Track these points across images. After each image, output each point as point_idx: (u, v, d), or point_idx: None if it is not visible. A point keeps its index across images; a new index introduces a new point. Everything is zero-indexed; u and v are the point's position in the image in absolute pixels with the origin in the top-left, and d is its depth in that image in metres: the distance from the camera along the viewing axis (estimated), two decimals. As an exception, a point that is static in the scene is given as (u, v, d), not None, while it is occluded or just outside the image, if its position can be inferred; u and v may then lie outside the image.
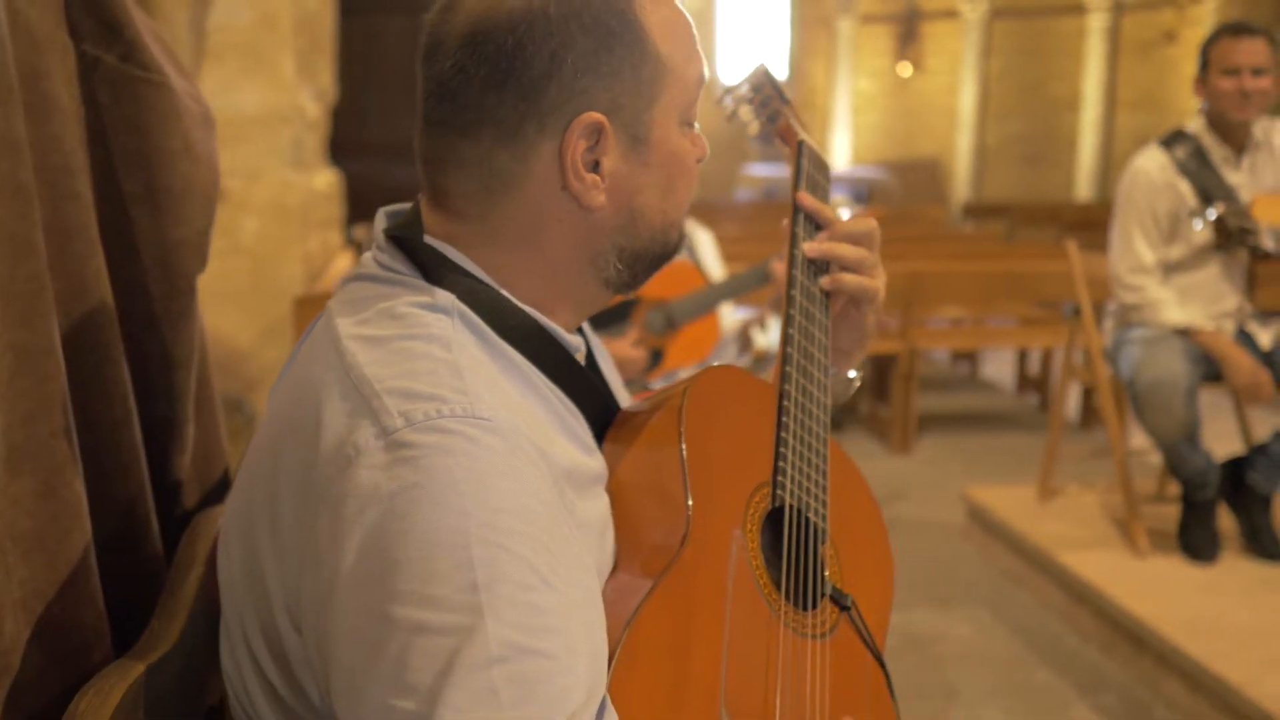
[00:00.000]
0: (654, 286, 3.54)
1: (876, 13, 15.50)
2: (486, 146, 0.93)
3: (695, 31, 1.00)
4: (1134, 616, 3.10)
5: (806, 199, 1.23)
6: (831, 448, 1.17)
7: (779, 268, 2.86)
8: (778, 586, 1.02)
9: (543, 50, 0.90)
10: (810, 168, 1.29)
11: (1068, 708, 3.01)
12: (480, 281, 0.96)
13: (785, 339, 1.15)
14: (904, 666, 3.25)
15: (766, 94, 1.40)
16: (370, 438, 0.81)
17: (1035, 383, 6.61)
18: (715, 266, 3.42)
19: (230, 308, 4.15)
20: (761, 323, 3.17)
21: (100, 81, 1.13)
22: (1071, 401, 6.01)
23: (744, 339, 3.24)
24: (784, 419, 1.10)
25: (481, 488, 0.79)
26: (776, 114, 1.38)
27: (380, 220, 1.01)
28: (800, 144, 1.31)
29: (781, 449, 1.08)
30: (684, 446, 0.99)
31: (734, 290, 3.15)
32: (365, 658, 0.77)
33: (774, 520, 1.06)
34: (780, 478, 1.06)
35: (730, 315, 3.32)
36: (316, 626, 0.82)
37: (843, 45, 15.42)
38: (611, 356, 3.04)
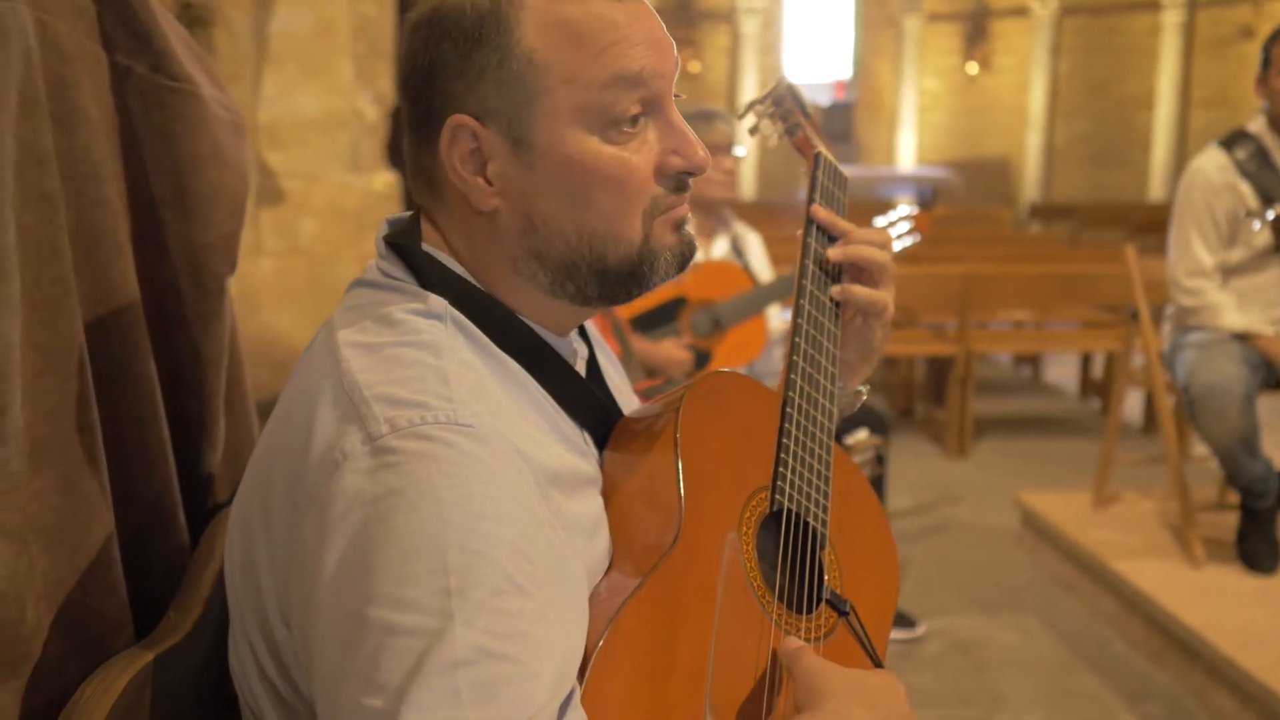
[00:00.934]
0: (701, 288, 3.55)
1: (943, 11, 15.33)
2: (412, 149, 0.99)
3: (629, 25, 0.93)
4: (1185, 625, 3.05)
5: (820, 211, 1.24)
6: (838, 456, 1.18)
7: None
8: (772, 589, 1.03)
9: (424, 58, 0.95)
10: (826, 180, 1.30)
11: (1113, 716, 2.97)
12: (473, 287, 0.98)
13: (792, 347, 1.17)
14: (949, 672, 3.23)
15: (787, 107, 1.42)
16: (357, 443, 0.84)
17: (1098, 387, 6.51)
18: (764, 268, 3.42)
19: (288, 307, 4.24)
20: None
21: (132, 91, 1.18)
22: (1135, 406, 5.91)
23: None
24: (786, 425, 1.11)
25: (460, 494, 0.81)
26: (796, 127, 1.40)
27: (383, 227, 1.04)
28: (816, 156, 1.33)
29: (782, 454, 1.09)
30: (679, 449, 1.00)
31: (782, 292, 3.15)
32: (340, 656, 0.79)
33: (775, 524, 1.07)
34: (780, 482, 1.07)
35: (779, 317, 3.32)
36: (301, 625, 0.85)
37: (909, 44, 15.27)
38: (657, 358, 3.06)
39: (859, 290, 1.20)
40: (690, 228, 1.02)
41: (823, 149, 1.34)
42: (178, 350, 1.26)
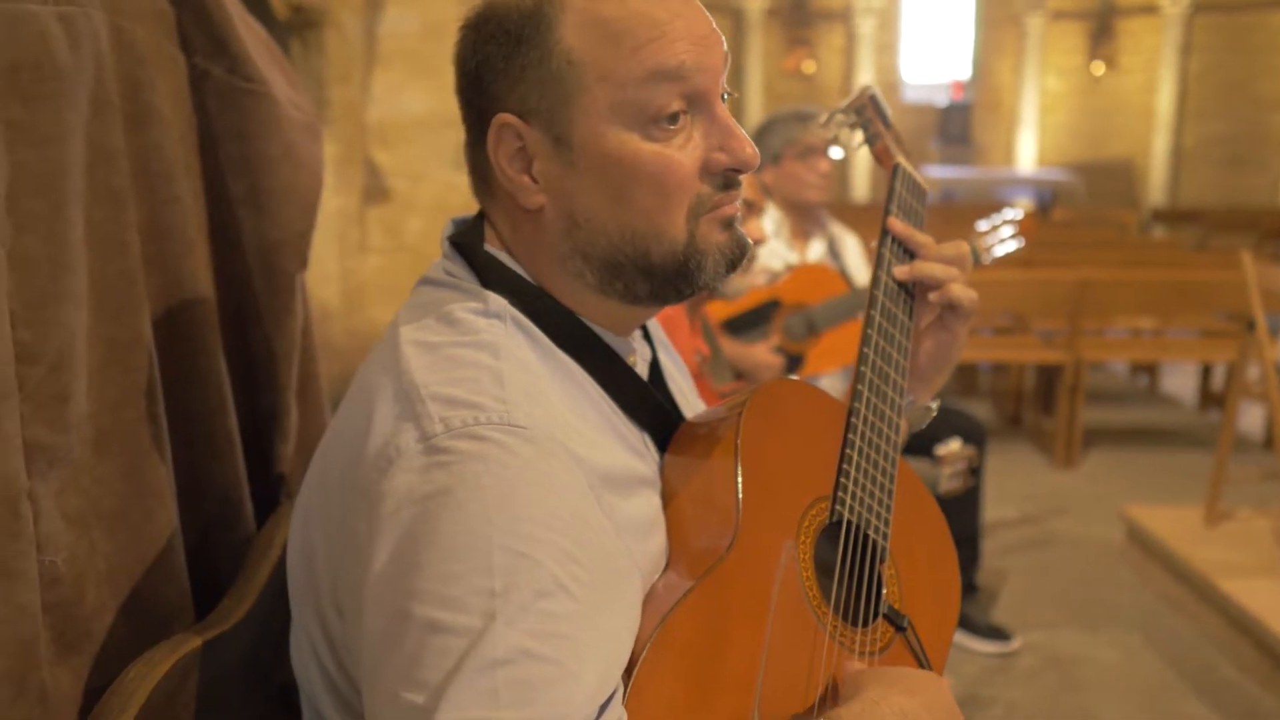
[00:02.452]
0: (796, 291, 3.53)
1: (1068, 9, 14.93)
2: (469, 153, 1.01)
3: (670, 21, 0.93)
4: (1297, 651, 2.92)
5: (897, 224, 1.23)
6: (903, 470, 1.16)
7: None
8: (828, 600, 1.01)
9: (470, 60, 0.97)
10: (904, 191, 1.28)
11: (1217, 742, 2.86)
12: (533, 287, 0.99)
13: (860, 357, 1.15)
14: (1044, 688, 3.14)
15: (868, 116, 1.40)
16: (411, 441, 0.85)
17: (1219, 399, 6.26)
18: (860, 271, 3.38)
19: (393, 303, 4.32)
20: None
21: (209, 92, 1.21)
22: (1257, 420, 5.67)
23: None
24: (850, 435, 1.09)
25: (508, 495, 0.82)
26: (876, 136, 1.39)
27: (448, 227, 1.06)
28: (896, 167, 1.31)
29: (845, 465, 1.07)
30: (739, 454, 0.99)
31: None
32: (384, 651, 0.81)
33: (835, 535, 1.05)
34: (841, 493, 1.05)
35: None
36: (352, 617, 0.87)
37: (1031, 43, 14.91)
38: (747, 362, 3.04)
39: (954, 287, 1.18)
40: (740, 225, 1.01)
41: (902, 160, 1.33)
42: (250, 344, 1.29)
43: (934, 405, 1.25)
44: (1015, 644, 3.35)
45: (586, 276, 0.98)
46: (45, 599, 0.91)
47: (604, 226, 0.95)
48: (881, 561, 1.07)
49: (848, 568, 1.04)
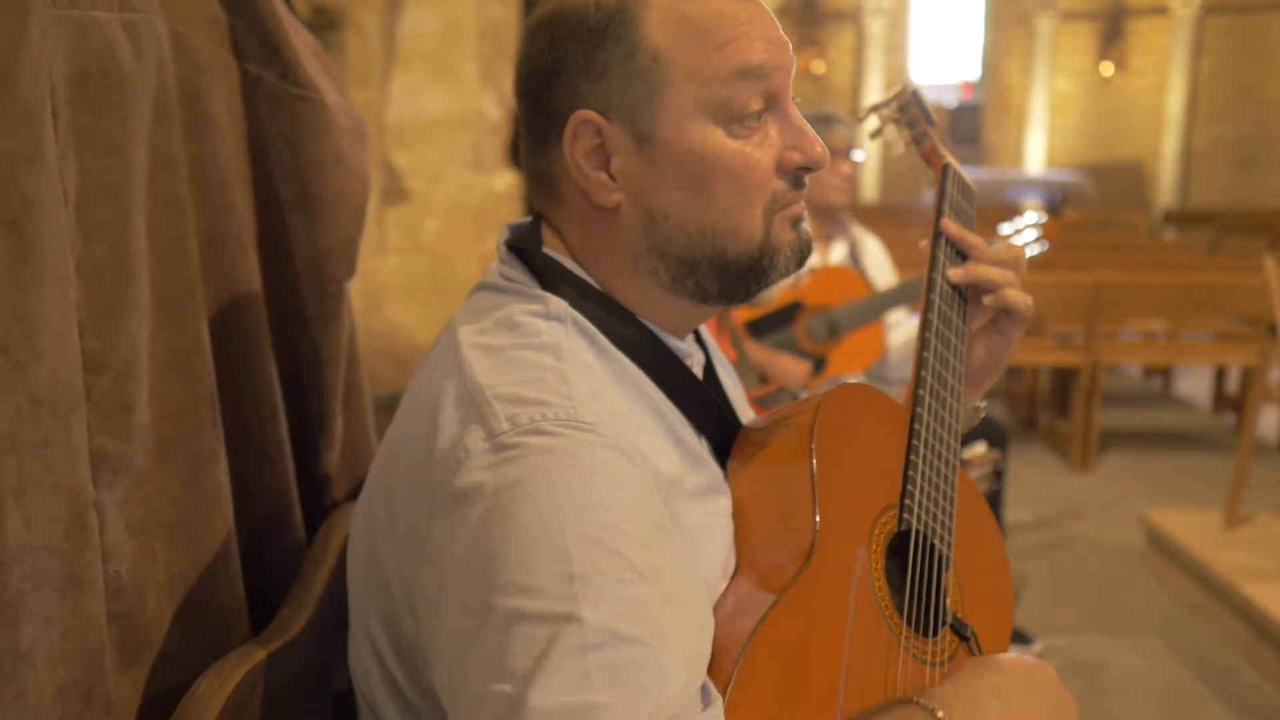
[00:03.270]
0: (818, 293, 3.52)
1: (1078, 10, 14.91)
2: (534, 156, 1.00)
3: (748, 21, 0.95)
4: (1321, 657, 2.91)
5: (951, 226, 1.22)
6: (960, 476, 1.15)
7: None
8: (899, 610, 1.01)
9: (546, 58, 0.96)
10: (955, 192, 1.27)
11: (1241, 749, 2.86)
12: (593, 288, 0.99)
13: (920, 362, 1.14)
14: (1066, 693, 3.13)
15: (913, 114, 1.38)
16: (479, 440, 0.85)
17: (1233, 402, 6.25)
18: (882, 274, 3.37)
19: (411, 304, 4.33)
20: None
21: (260, 98, 1.21)
22: (1273, 423, 5.66)
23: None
24: (914, 442, 1.08)
25: (579, 485, 0.82)
26: (923, 135, 1.37)
27: (504, 232, 1.06)
28: (945, 167, 1.30)
29: (910, 472, 1.06)
30: (815, 463, 0.99)
31: (899, 299, 3.09)
32: (468, 647, 0.81)
33: (898, 544, 1.05)
34: (908, 501, 1.05)
35: (907, 322, 3.26)
36: (428, 619, 0.87)
37: (1041, 44, 14.89)
38: (774, 367, 3.04)
39: (1010, 292, 1.18)
40: (807, 225, 1.02)
41: (950, 159, 1.31)
42: (298, 351, 1.29)
43: (983, 406, 1.25)
44: (1036, 648, 3.34)
45: (660, 274, 0.98)
46: (110, 609, 0.91)
47: (683, 223, 0.96)
48: (946, 570, 1.06)
49: (916, 577, 1.04)
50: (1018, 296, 1.18)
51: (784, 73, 0.97)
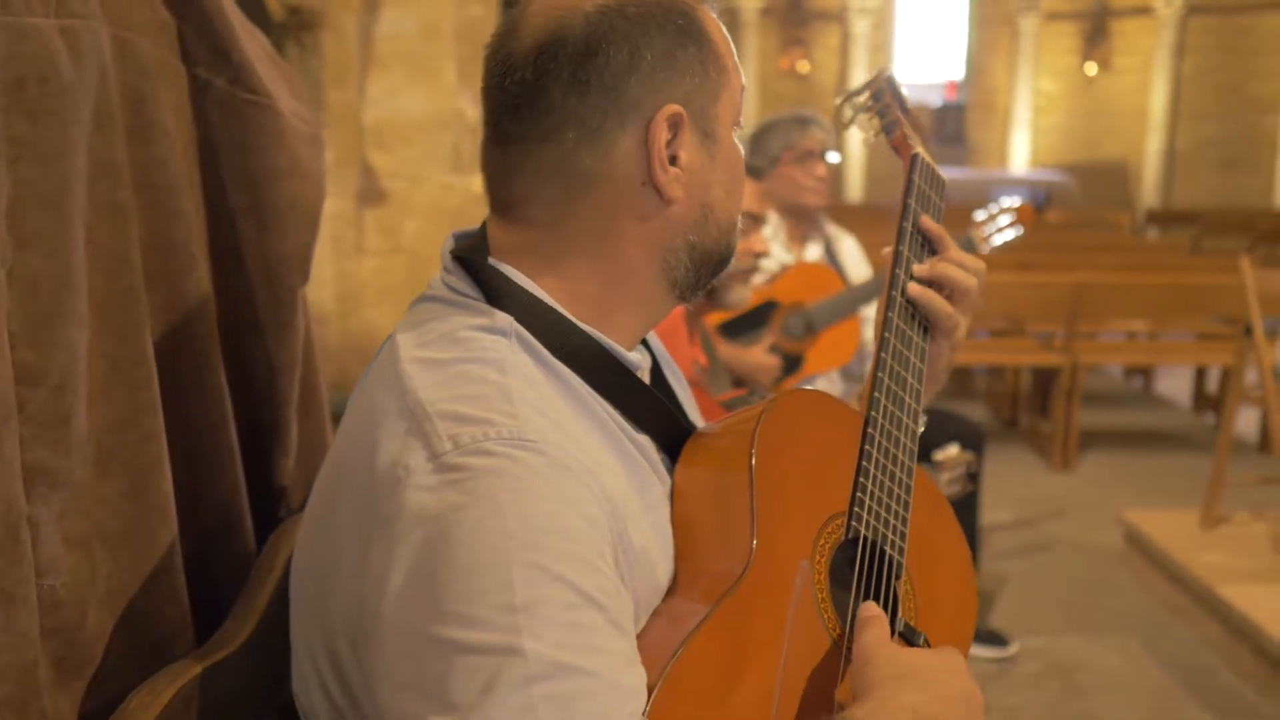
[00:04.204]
0: (793, 290, 3.52)
1: (1062, 10, 14.95)
2: (569, 148, 0.95)
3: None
4: (1296, 657, 2.92)
5: (928, 221, 1.20)
6: (922, 481, 1.14)
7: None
8: (843, 619, 1.00)
9: (622, 48, 0.94)
10: (922, 183, 1.24)
11: (1217, 750, 2.86)
12: (540, 303, 0.97)
13: (878, 363, 1.12)
14: (1044, 694, 3.14)
15: (885, 102, 1.35)
16: (421, 459, 0.84)
17: (1214, 402, 6.27)
18: (859, 271, 3.37)
19: (389, 305, 4.31)
20: None
21: (211, 104, 1.20)
22: (1252, 423, 5.68)
23: None
24: (867, 448, 1.07)
25: (524, 509, 0.81)
26: (894, 124, 1.33)
27: (449, 242, 1.04)
28: (914, 158, 1.26)
29: (861, 479, 1.05)
30: (753, 472, 0.97)
31: (874, 292, 3.09)
32: (409, 676, 0.80)
33: (851, 551, 1.04)
34: (857, 509, 1.03)
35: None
36: (366, 643, 0.85)
37: (1025, 43, 14.92)
38: (744, 364, 3.03)
39: (935, 298, 1.17)
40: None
41: (921, 149, 1.27)
42: (251, 358, 1.28)
43: (923, 419, 1.23)
44: (1012, 649, 3.34)
45: (678, 270, 1.01)
46: (46, 624, 0.90)
47: (720, 218, 1.02)
48: (898, 578, 1.05)
49: (864, 585, 1.03)
50: (941, 307, 1.16)
51: None
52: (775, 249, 3.22)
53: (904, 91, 1.36)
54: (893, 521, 1.06)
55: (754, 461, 0.98)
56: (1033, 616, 3.64)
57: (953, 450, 2.60)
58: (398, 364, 0.92)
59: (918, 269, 1.18)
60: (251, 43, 1.29)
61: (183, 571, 1.07)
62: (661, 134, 0.95)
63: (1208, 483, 3.88)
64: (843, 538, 1.02)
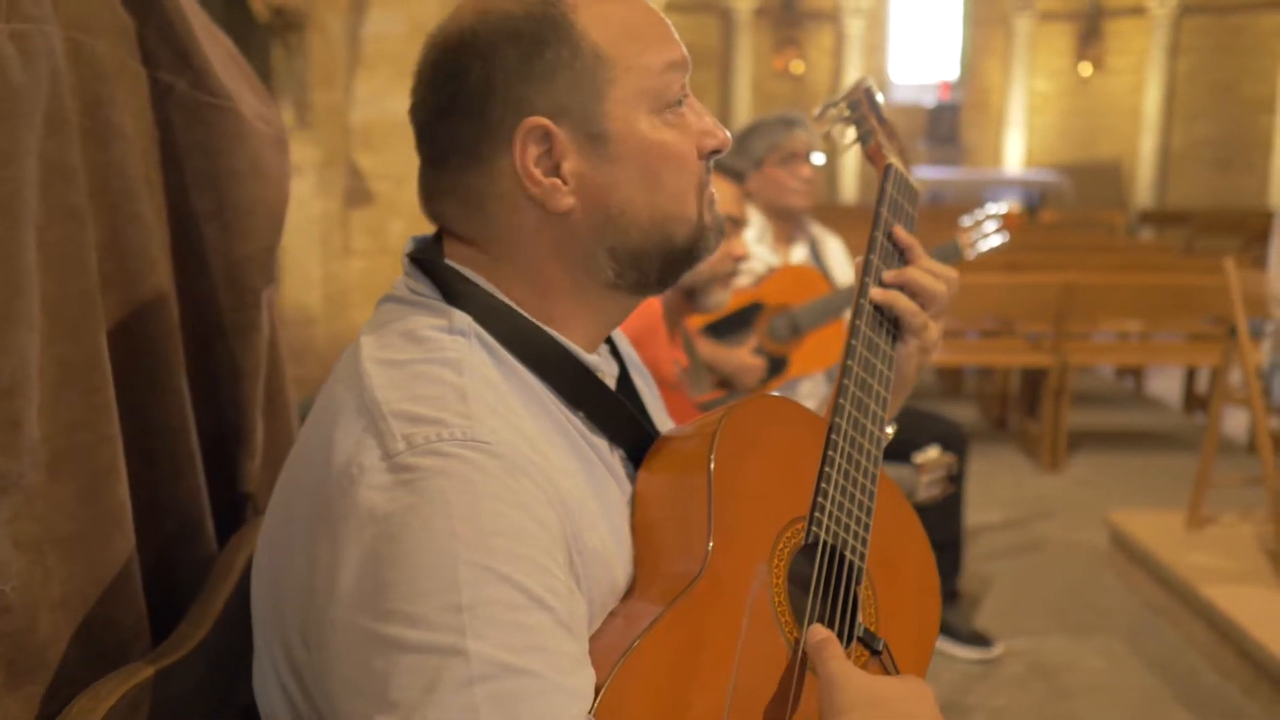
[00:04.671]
0: (778, 293, 3.52)
1: (1056, 10, 14.95)
2: (456, 172, 0.97)
3: (660, 21, 1.00)
4: (1278, 658, 2.92)
5: (900, 231, 1.20)
6: (888, 488, 1.14)
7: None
8: (801, 623, 1.00)
9: (476, 69, 0.94)
10: (895, 193, 1.25)
11: (1199, 751, 2.86)
12: (500, 302, 0.98)
13: (844, 370, 1.12)
14: (1029, 696, 3.14)
15: (862, 112, 1.35)
16: (375, 459, 0.84)
17: (1204, 402, 6.27)
18: (845, 273, 3.37)
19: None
20: None
21: (173, 106, 1.20)
22: (1241, 424, 5.68)
23: None
24: (830, 453, 1.07)
25: (474, 510, 0.81)
26: (869, 134, 1.34)
27: (409, 244, 1.04)
28: (888, 168, 1.27)
29: (823, 484, 1.05)
30: (712, 475, 0.97)
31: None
32: (353, 674, 0.80)
33: (812, 557, 1.04)
34: (818, 514, 1.03)
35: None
36: (317, 642, 0.86)
37: (1019, 44, 14.92)
38: (728, 365, 3.03)
39: (903, 299, 1.16)
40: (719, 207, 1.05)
41: (894, 159, 1.28)
42: (215, 361, 1.27)
43: (891, 429, 1.23)
44: (997, 650, 3.34)
45: (605, 272, 0.99)
46: (-5, 628, 0.89)
47: (637, 216, 0.97)
48: (858, 583, 1.05)
49: (822, 590, 1.03)
50: (906, 305, 1.16)
51: (690, 66, 1.02)
52: (761, 251, 3.22)
53: (881, 101, 1.37)
54: (854, 527, 1.06)
55: (713, 465, 0.98)
56: (1018, 617, 3.64)
57: (933, 453, 2.60)
58: (359, 364, 0.93)
59: (887, 276, 1.18)
60: (214, 45, 1.29)
61: (139, 576, 1.06)
62: (527, 150, 0.94)
63: (1194, 483, 3.88)
64: (802, 542, 1.02)
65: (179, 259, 1.22)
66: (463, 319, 0.95)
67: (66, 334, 0.99)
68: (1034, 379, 5.61)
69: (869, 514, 1.07)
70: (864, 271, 1.18)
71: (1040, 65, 15.09)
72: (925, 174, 13.19)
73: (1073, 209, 12.92)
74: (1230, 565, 3.54)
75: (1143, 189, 14.65)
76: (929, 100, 14.98)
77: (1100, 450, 5.66)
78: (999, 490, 4.95)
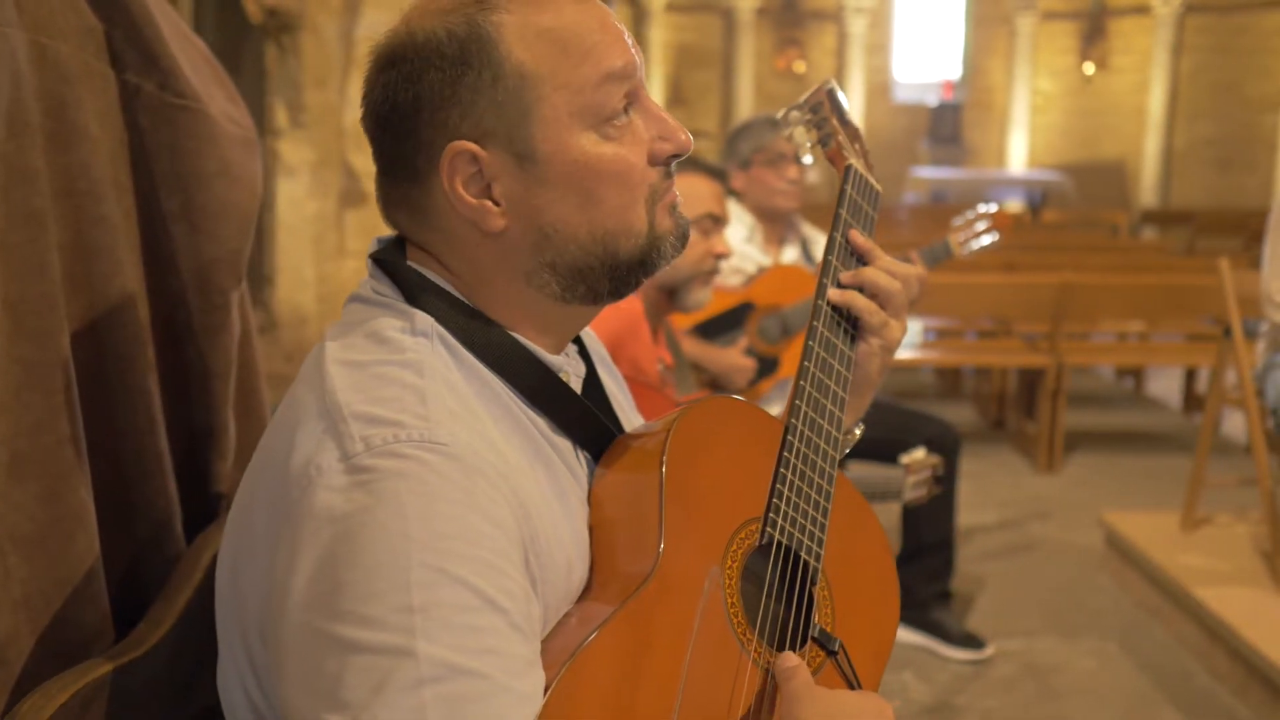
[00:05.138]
0: (769, 293, 3.53)
1: (1059, 9, 14.92)
2: (400, 186, 0.98)
3: (602, 26, 0.96)
4: (1270, 660, 2.91)
5: (857, 236, 1.20)
6: (846, 488, 1.14)
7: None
8: (753, 625, 1.00)
9: (405, 93, 0.94)
10: (855, 194, 1.25)
11: (1188, 752, 2.85)
12: (461, 302, 0.98)
13: (800, 371, 1.13)
14: (1019, 697, 3.13)
15: (824, 114, 1.36)
16: (333, 460, 0.85)
17: (1202, 403, 6.25)
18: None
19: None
20: None
21: (141, 108, 1.20)
22: (1239, 424, 5.67)
23: None
24: (785, 454, 1.07)
25: (429, 512, 0.82)
26: (829, 136, 1.34)
27: (373, 245, 1.05)
28: (848, 169, 1.27)
29: (778, 485, 1.05)
30: (664, 476, 0.98)
31: None
32: (305, 673, 0.81)
33: (765, 557, 1.04)
34: (772, 514, 1.04)
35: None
36: (273, 642, 0.86)
37: (1022, 43, 14.89)
38: (718, 365, 3.03)
39: (860, 298, 1.16)
40: (682, 210, 1.04)
41: (855, 161, 1.28)
42: (185, 362, 1.28)
43: (858, 430, 1.23)
44: (988, 651, 3.34)
45: (552, 287, 0.99)
46: (-47, 628, 0.90)
47: (574, 233, 0.97)
48: (813, 583, 1.05)
49: (776, 590, 1.03)
50: (863, 304, 1.16)
51: (640, 69, 0.99)
52: (751, 251, 3.23)
53: (845, 104, 1.37)
54: (810, 528, 1.06)
55: (665, 466, 0.98)
56: (1011, 618, 3.64)
57: (919, 454, 2.60)
58: (323, 365, 0.94)
59: (844, 276, 1.18)
60: (187, 48, 1.30)
61: (103, 576, 1.07)
62: (455, 173, 0.94)
63: (1187, 484, 3.88)
64: (757, 543, 1.03)
65: (149, 260, 1.23)
66: (424, 320, 0.95)
67: (28, 335, 1.00)
68: (1031, 379, 5.60)
69: (825, 515, 1.07)
70: (821, 273, 1.18)
71: (1043, 65, 15.06)
72: (927, 174, 13.18)
73: (1076, 209, 12.89)
74: (1223, 566, 3.53)
75: (1147, 189, 14.61)
76: (931, 99, 14.95)
77: (1098, 451, 5.65)
78: (995, 491, 4.95)
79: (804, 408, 1.10)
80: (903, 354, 5.04)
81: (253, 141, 1.34)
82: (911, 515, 3.36)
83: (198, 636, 1.04)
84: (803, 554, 1.04)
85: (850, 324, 1.18)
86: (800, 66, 14.67)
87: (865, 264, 1.20)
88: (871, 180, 1.29)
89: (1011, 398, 6.04)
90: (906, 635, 3.42)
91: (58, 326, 1.03)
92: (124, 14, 1.17)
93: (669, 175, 1.01)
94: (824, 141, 1.35)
